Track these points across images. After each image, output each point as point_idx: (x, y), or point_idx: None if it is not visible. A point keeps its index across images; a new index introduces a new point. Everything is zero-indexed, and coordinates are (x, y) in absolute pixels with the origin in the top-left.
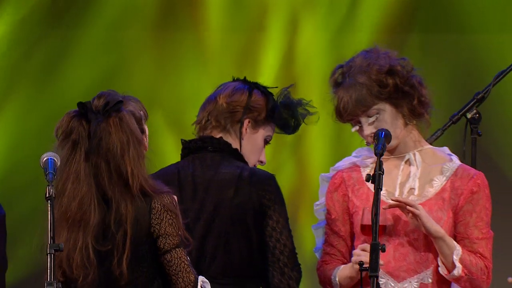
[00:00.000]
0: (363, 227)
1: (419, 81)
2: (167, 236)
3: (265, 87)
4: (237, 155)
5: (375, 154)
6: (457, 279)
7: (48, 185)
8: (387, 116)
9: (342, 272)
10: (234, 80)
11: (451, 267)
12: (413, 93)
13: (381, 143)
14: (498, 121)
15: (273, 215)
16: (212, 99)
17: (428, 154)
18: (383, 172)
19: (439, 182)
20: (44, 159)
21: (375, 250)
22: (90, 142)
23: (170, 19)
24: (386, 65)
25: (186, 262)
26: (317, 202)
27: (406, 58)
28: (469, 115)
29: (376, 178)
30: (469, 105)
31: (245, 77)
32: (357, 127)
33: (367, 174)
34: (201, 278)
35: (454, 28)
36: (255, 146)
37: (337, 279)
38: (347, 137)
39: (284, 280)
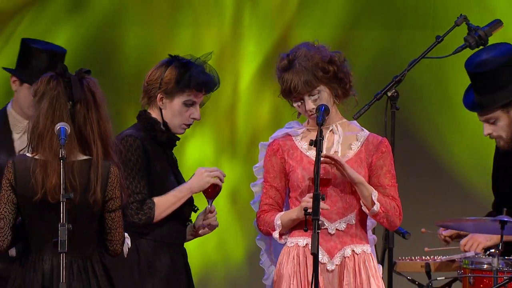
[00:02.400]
0: (310, 179)
1: (349, 70)
2: (116, 198)
3: (184, 60)
4: (147, 122)
5: (317, 124)
6: (376, 215)
7: (61, 148)
8: (325, 96)
9: (285, 216)
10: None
11: (370, 205)
12: (346, 79)
13: (321, 115)
14: (411, 98)
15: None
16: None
17: (346, 125)
18: (323, 138)
19: (355, 146)
20: (58, 127)
21: (317, 199)
22: (76, 93)
23: None
24: (327, 55)
25: (121, 220)
26: (257, 165)
27: (340, 51)
28: (389, 94)
29: (318, 143)
30: (389, 86)
31: (172, 55)
32: (299, 103)
33: (310, 140)
34: (126, 234)
35: (379, 25)
36: (175, 112)
37: (279, 222)
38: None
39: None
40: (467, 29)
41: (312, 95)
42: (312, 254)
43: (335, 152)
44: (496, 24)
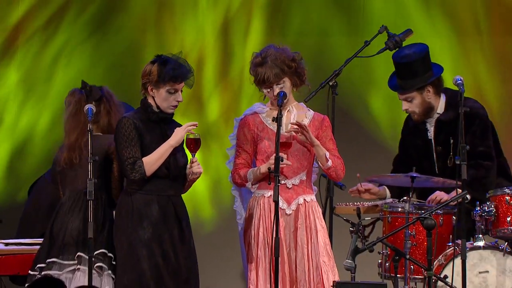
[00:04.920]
0: (282, 144)
1: (304, 66)
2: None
3: (163, 58)
4: (143, 106)
5: (278, 105)
6: (329, 169)
7: (89, 123)
8: (288, 85)
9: (256, 171)
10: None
11: (325, 161)
12: (302, 73)
13: (281, 99)
14: (347, 86)
15: None
16: None
17: (298, 107)
18: (282, 116)
19: (305, 122)
20: (86, 108)
21: (277, 161)
22: (96, 93)
23: None
24: (291, 55)
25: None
26: (231, 134)
27: (298, 52)
28: (330, 83)
29: (278, 119)
30: (330, 78)
31: (158, 55)
32: (268, 90)
33: (273, 117)
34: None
35: (321, 32)
36: (162, 98)
37: (251, 176)
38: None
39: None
40: (387, 36)
41: (279, 84)
42: (274, 201)
43: (291, 126)
44: (408, 32)
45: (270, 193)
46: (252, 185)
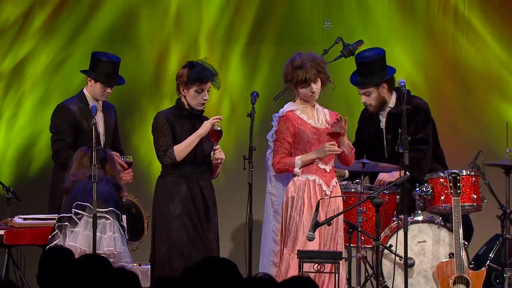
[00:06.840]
0: (331, 134)
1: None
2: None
3: (192, 63)
4: (177, 104)
5: (251, 103)
6: (352, 156)
7: (93, 118)
8: (320, 83)
9: (305, 157)
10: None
11: (349, 149)
12: (328, 73)
13: (254, 98)
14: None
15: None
16: None
17: (319, 104)
18: (254, 112)
19: (327, 117)
20: (91, 105)
21: (251, 150)
22: (100, 154)
23: None
24: (321, 58)
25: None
26: (272, 128)
27: (322, 57)
28: None
29: (252, 115)
30: None
31: (189, 61)
32: (305, 87)
33: (247, 113)
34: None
35: (286, 41)
36: (191, 97)
37: (299, 161)
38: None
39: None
40: (342, 46)
41: (315, 83)
42: (248, 183)
43: (320, 120)
44: (359, 42)
45: (314, 177)
46: (299, 169)
